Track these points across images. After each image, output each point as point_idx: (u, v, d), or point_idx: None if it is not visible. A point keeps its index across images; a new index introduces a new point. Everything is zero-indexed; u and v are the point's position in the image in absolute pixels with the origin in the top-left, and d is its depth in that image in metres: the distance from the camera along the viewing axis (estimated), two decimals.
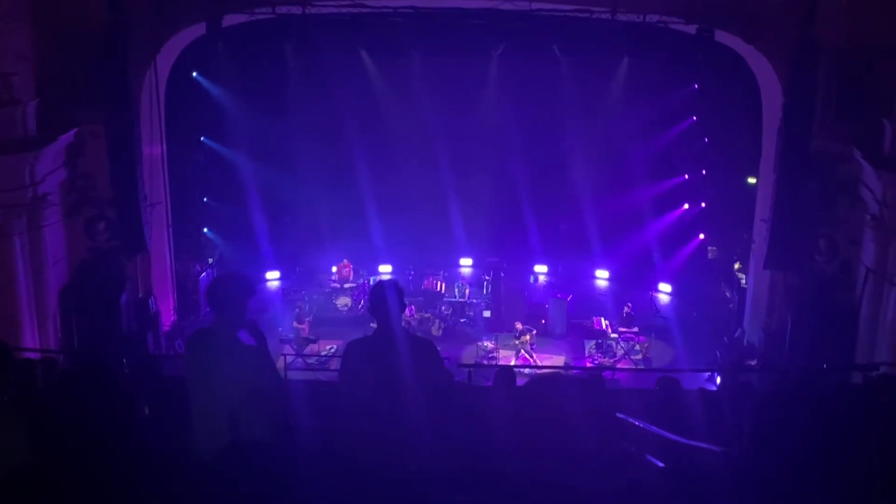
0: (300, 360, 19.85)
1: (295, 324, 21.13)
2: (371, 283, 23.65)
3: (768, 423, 3.11)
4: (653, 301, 24.01)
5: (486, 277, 24.20)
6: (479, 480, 3.45)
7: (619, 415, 4.49)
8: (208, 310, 21.93)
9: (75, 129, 18.09)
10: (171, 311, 20.75)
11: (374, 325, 6.71)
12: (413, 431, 4.91)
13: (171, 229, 20.40)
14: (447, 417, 4.83)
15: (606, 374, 19.27)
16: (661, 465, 3.58)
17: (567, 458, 3.15)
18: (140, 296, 19.55)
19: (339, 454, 5.44)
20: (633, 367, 20.28)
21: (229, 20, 19.78)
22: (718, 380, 17.15)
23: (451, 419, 4.69)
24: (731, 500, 3.04)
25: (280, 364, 17.79)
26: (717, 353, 20.46)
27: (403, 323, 20.40)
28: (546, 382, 3.37)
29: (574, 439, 3.22)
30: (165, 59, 19.42)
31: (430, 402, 5.07)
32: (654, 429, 4.16)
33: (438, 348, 6.34)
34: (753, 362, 18.85)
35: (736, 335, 21.00)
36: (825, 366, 15.28)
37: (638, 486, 3.30)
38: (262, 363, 5.85)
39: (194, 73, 21.86)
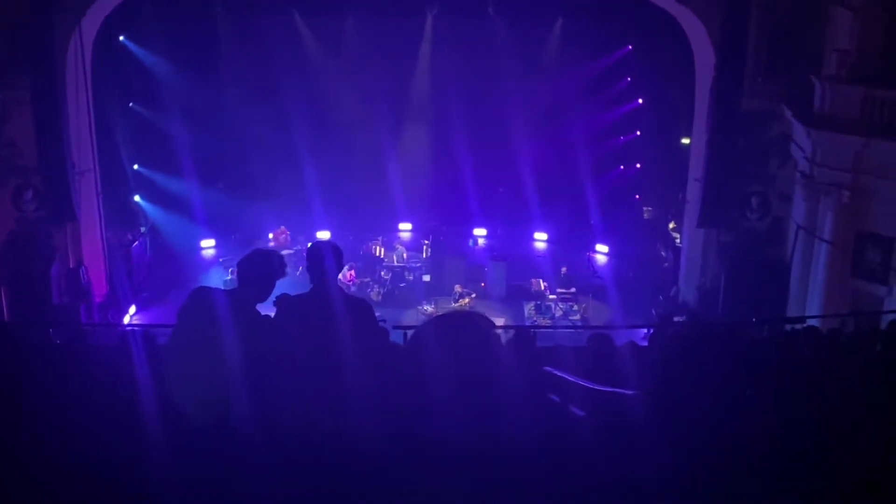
0: None
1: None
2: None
3: (673, 363, 3.17)
4: (590, 262, 24.23)
5: (426, 241, 24.17)
6: (412, 434, 3.43)
7: (546, 368, 4.54)
8: (143, 278, 21.38)
9: None
10: (104, 282, 20.34)
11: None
12: (347, 387, 4.91)
13: (100, 197, 19.95)
14: (382, 373, 4.84)
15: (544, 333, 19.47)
16: (580, 413, 3.64)
17: (495, 407, 3.15)
18: (71, 266, 19.14)
19: (272, 413, 5.39)
20: (571, 328, 20.46)
21: None
22: None
23: (386, 375, 4.70)
24: (644, 435, 3.09)
25: None
26: (653, 311, 20.74)
27: (343, 287, 20.42)
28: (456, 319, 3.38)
29: (501, 390, 3.22)
30: (91, 23, 18.85)
31: (364, 359, 5.09)
32: (576, 379, 4.23)
33: (378, 313, 6.36)
34: (682, 318, 19.13)
35: (671, 293, 21.32)
36: (754, 319, 15.58)
37: (560, 431, 3.34)
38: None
39: (121, 37, 21.30)
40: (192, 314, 5.88)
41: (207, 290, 6.04)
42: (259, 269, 5.94)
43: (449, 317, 3.53)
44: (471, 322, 3.34)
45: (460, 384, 3.20)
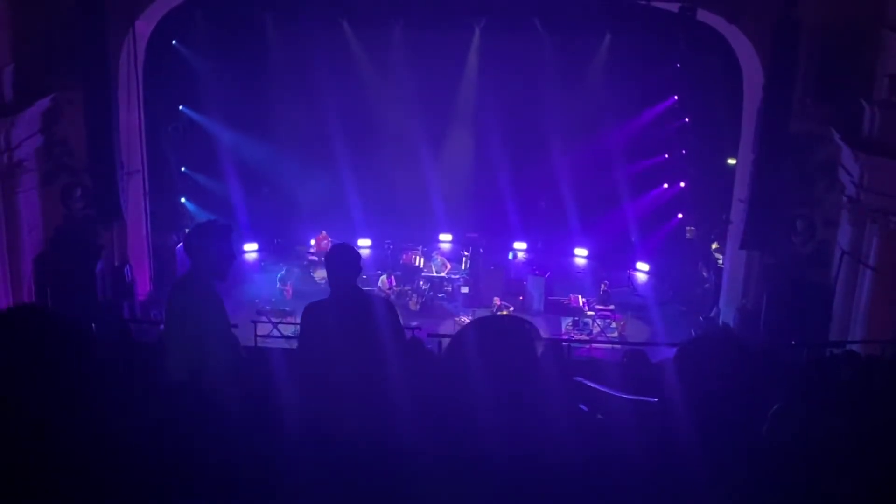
0: (276, 330, 19.82)
1: (279, 285, 21.84)
2: None
3: (681, 369, 3.18)
4: (630, 279, 24.12)
5: (465, 253, 24.21)
6: (442, 433, 3.46)
7: (576, 378, 4.56)
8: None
9: (52, 95, 17.91)
10: (147, 281, 20.65)
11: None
12: (377, 383, 4.99)
13: (147, 198, 20.25)
14: (407, 369, 4.93)
15: (582, 350, 19.42)
16: (600, 416, 3.68)
17: (532, 412, 3.18)
18: (116, 264, 19.44)
19: (310, 414, 5.48)
20: (607, 343, 20.39)
21: None
22: None
23: (412, 372, 4.77)
24: (665, 443, 3.10)
25: (261, 332, 17.97)
26: (693, 331, 20.59)
27: (383, 294, 20.58)
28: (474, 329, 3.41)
29: (538, 396, 3.24)
30: (145, 26, 19.21)
31: (391, 354, 5.19)
32: (602, 387, 4.25)
33: (415, 322, 6.49)
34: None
35: (711, 314, 21.13)
36: (793, 342, 15.42)
37: (589, 439, 3.36)
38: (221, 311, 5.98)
39: (174, 42, 21.65)
40: (168, 310, 6.11)
41: (175, 284, 6.28)
42: (206, 242, 6.01)
43: (495, 319, 3.58)
44: (517, 326, 3.36)
45: (499, 387, 3.22)
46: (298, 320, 20.30)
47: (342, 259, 5.94)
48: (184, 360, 5.81)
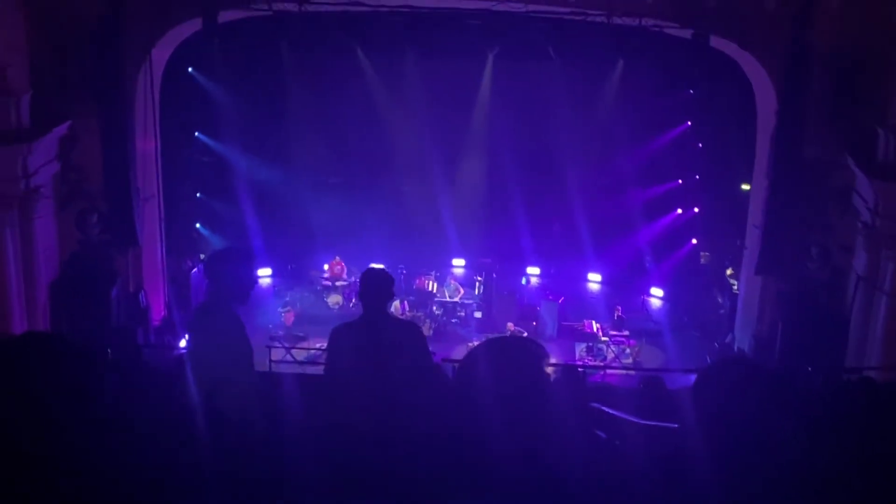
0: (290, 355, 19.86)
1: (280, 309, 21.96)
2: None
3: (703, 396, 3.17)
4: (644, 305, 24.04)
5: (478, 278, 24.19)
6: (461, 458, 3.46)
7: (593, 404, 4.57)
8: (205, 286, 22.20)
9: (69, 122, 18.06)
10: (162, 306, 20.72)
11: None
12: (401, 408, 5.00)
13: (163, 224, 20.37)
14: (432, 394, 4.94)
15: (597, 376, 19.34)
16: (618, 443, 3.67)
17: (543, 433, 3.17)
18: (131, 290, 19.51)
19: (329, 438, 5.48)
20: (622, 369, 20.31)
21: (226, 16, 19.74)
22: None
23: (437, 397, 4.78)
24: (687, 471, 3.09)
25: (274, 357, 18.05)
26: (708, 358, 20.48)
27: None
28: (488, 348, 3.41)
29: (549, 425, 3.24)
30: (161, 53, 19.38)
31: (416, 380, 5.20)
32: (619, 413, 4.25)
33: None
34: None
35: (727, 340, 21.03)
36: (809, 368, 15.32)
37: (607, 466, 3.35)
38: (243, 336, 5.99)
39: (190, 69, 21.84)
40: (191, 335, 6.16)
41: (197, 309, 6.34)
42: (228, 266, 6.01)
43: (503, 340, 3.59)
44: (525, 347, 3.37)
45: (510, 405, 3.22)
46: (311, 345, 20.36)
47: (376, 283, 5.98)
48: (205, 384, 5.82)
